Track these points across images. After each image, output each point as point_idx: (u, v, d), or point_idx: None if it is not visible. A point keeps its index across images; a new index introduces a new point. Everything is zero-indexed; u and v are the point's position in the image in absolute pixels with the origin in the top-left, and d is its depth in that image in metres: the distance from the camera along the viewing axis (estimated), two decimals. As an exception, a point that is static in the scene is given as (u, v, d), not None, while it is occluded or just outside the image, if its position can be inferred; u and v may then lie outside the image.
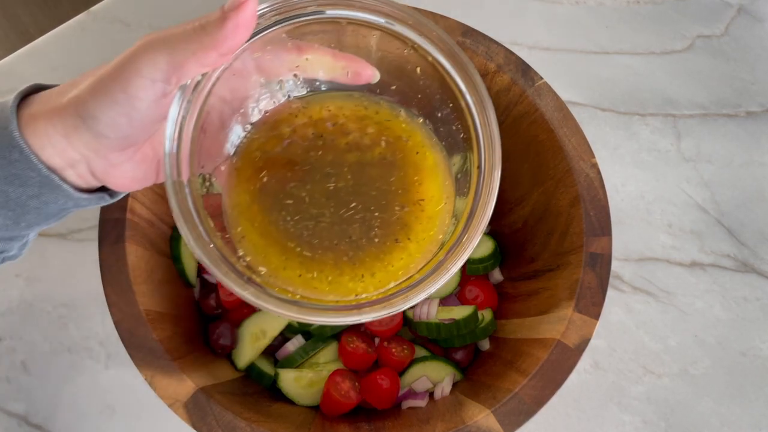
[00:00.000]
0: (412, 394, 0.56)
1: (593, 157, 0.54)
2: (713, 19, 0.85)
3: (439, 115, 0.35)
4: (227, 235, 0.33)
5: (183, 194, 0.31)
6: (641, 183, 0.75)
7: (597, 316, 0.50)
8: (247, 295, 0.30)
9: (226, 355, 0.57)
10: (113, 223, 0.50)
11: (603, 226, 0.52)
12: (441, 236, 0.34)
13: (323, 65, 0.35)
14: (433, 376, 0.57)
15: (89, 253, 0.66)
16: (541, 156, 0.57)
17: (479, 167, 0.33)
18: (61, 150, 0.32)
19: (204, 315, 0.60)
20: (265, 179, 0.34)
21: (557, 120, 0.55)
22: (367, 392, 0.55)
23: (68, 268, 0.66)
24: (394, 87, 0.36)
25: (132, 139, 0.32)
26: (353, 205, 0.33)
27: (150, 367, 0.46)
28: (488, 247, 0.63)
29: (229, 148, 0.35)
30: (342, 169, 0.34)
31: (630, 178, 0.75)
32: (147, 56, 0.29)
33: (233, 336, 0.56)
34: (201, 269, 0.61)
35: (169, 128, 0.31)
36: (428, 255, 0.33)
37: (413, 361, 0.57)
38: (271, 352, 0.58)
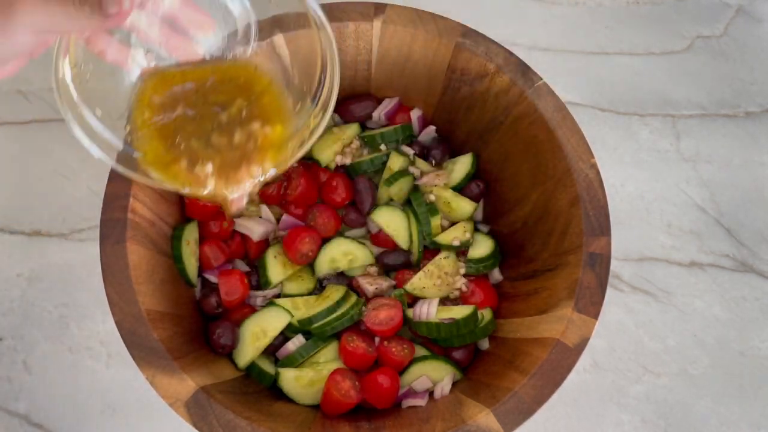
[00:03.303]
0: (412, 393, 0.57)
1: (592, 157, 0.54)
2: (712, 19, 0.85)
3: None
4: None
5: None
6: (640, 183, 0.75)
7: (596, 316, 0.50)
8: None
9: (227, 354, 0.57)
10: (114, 223, 0.50)
11: (602, 226, 0.52)
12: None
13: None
14: (433, 376, 0.57)
15: (90, 253, 0.67)
16: (540, 156, 0.57)
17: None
18: None
19: (205, 315, 0.60)
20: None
21: (557, 120, 0.55)
22: (367, 391, 0.55)
23: (69, 268, 0.66)
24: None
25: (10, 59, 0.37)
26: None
27: (151, 367, 0.47)
28: (488, 246, 0.63)
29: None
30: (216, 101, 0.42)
31: (629, 178, 0.76)
32: (28, 11, 0.33)
33: (234, 335, 0.56)
34: (202, 269, 0.61)
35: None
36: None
37: (413, 361, 0.58)
38: (271, 351, 0.58)
